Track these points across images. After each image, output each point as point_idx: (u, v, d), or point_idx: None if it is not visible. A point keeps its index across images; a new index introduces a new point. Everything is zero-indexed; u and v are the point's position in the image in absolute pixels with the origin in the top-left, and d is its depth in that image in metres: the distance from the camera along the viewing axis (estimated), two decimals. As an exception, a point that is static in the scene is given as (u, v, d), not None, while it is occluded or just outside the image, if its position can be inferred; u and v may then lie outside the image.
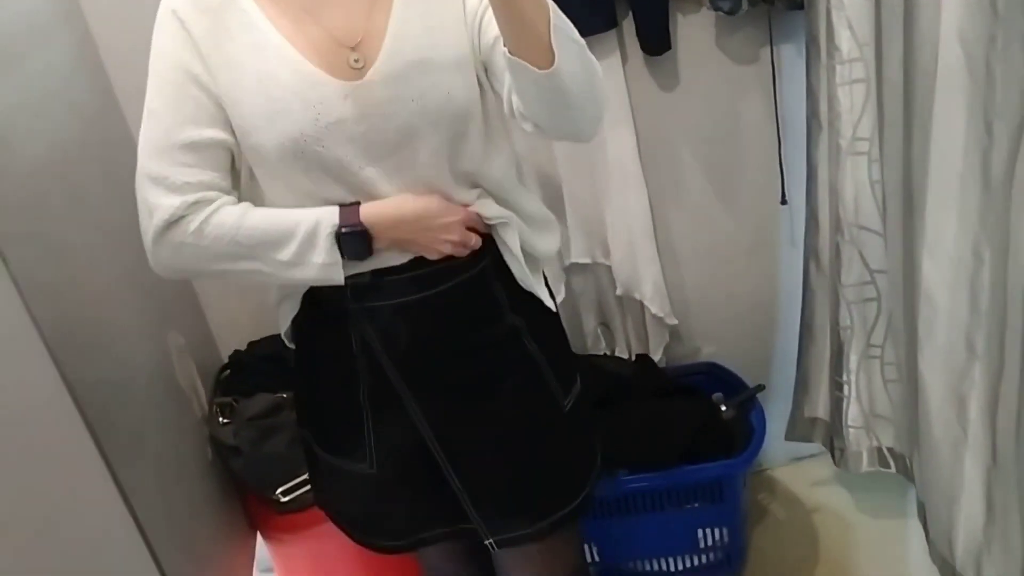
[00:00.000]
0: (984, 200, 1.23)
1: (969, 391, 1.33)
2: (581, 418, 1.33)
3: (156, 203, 1.05)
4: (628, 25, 1.74)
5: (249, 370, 1.87)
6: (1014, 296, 1.21)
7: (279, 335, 1.50)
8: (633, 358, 2.01)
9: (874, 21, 1.43)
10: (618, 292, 1.95)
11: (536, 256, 1.25)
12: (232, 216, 1.07)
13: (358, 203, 1.10)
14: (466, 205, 1.16)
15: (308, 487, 1.67)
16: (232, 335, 1.92)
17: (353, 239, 1.09)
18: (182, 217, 1.05)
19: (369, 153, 1.08)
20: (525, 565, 1.35)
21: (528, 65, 0.97)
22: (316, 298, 1.20)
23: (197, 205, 1.06)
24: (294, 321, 1.25)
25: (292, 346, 1.30)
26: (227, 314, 1.92)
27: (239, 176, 1.14)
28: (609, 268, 1.94)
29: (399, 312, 1.16)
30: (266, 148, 1.07)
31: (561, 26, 0.98)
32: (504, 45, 1.00)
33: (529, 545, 1.29)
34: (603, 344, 2.05)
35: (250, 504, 1.80)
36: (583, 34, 1.04)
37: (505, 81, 1.07)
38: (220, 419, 1.72)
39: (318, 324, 1.22)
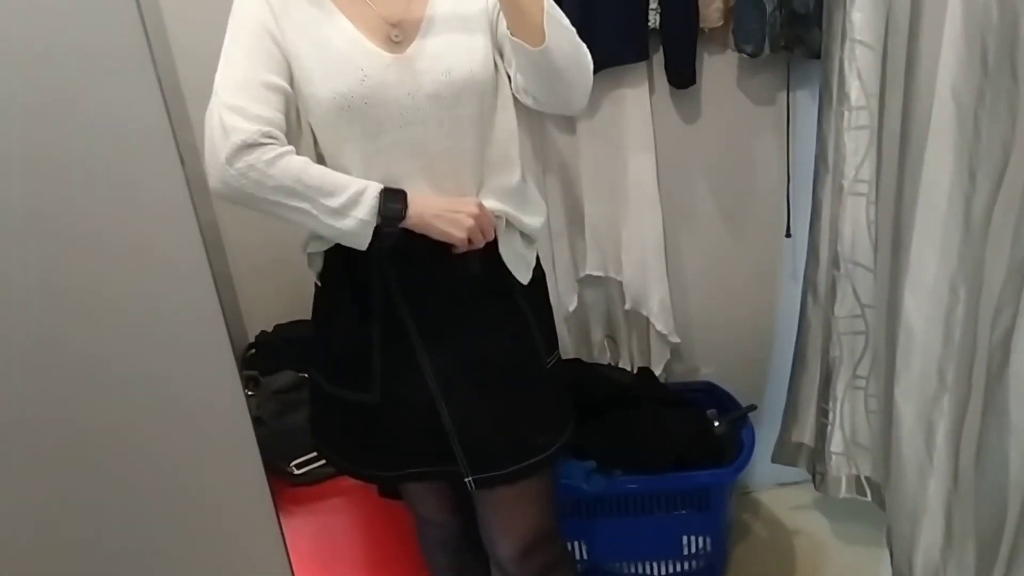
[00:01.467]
0: (964, 241, 1.35)
1: (937, 419, 1.43)
2: (559, 379, 1.50)
3: (234, 126, 1.20)
4: (658, 59, 1.87)
5: (273, 350, 1.98)
6: (983, 332, 1.32)
7: (305, 319, 1.62)
8: (635, 370, 2.12)
9: (880, 74, 1.55)
10: (626, 306, 2.07)
11: (528, 232, 1.43)
12: (300, 160, 1.24)
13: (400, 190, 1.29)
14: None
15: (321, 461, 1.79)
16: (261, 315, 2.04)
17: (393, 197, 1.26)
18: (257, 145, 1.20)
19: (407, 115, 1.27)
20: (499, 514, 1.49)
21: (524, 44, 1.20)
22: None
23: (270, 139, 1.22)
24: (324, 262, 1.41)
25: (317, 283, 1.45)
26: (257, 294, 2.04)
27: (291, 128, 1.30)
28: (620, 283, 2.06)
29: (419, 254, 1.33)
30: (319, 98, 1.26)
31: (553, 13, 1.20)
32: (507, 26, 1.23)
33: (503, 490, 1.42)
34: (608, 355, 2.17)
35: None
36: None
37: (512, 61, 1.29)
38: (246, 391, 1.83)
39: (344, 262, 1.37)
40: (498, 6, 1.29)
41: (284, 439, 1.79)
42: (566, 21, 1.24)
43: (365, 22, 1.28)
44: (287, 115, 1.27)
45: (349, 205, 1.24)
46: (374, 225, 1.26)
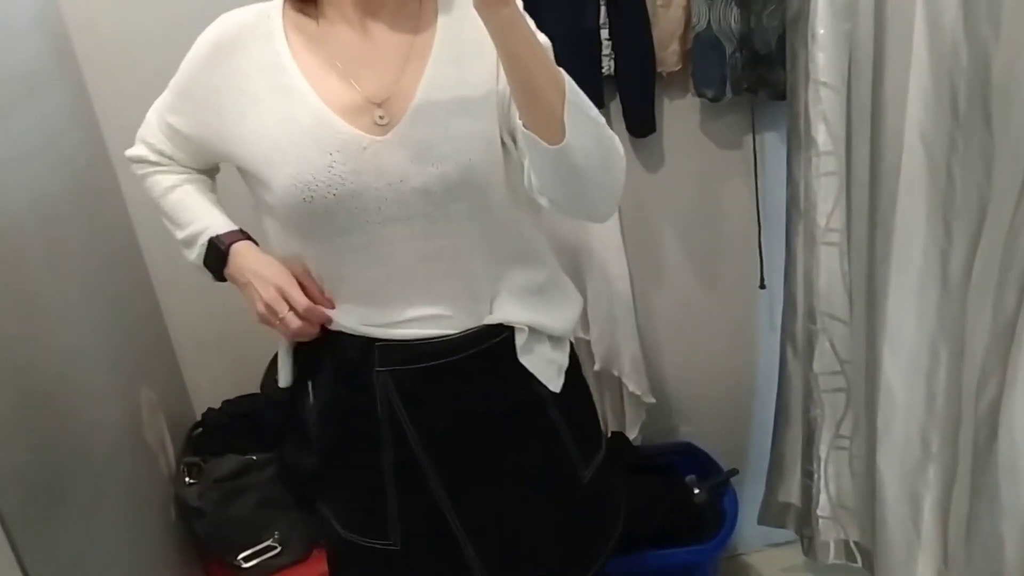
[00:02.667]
0: (942, 299, 1.24)
1: (923, 490, 1.32)
2: (601, 488, 1.31)
3: (138, 136, 1.25)
4: (615, 106, 1.77)
5: (221, 429, 1.86)
6: (968, 398, 1.21)
7: (253, 394, 1.49)
8: (609, 435, 2.00)
9: (846, 118, 1.45)
10: (596, 367, 1.95)
11: (558, 335, 1.24)
12: (161, 186, 1.24)
13: (247, 235, 1.20)
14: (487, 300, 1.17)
15: (271, 553, 1.67)
16: (208, 392, 1.93)
17: (214, 250, 1.18)
18: (138, 160, 1.25)
19: (387, 209, 1.07)
20: None
21: (539, 139, 0.98)
22: (341, 363, 1.19)
23: (148, 160, 1.24)
24: (315, 389, 1.24)
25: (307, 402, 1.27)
26: (204, 371, 1.93)
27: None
28: (588, 343, 1.95)
29: (426, 376, 1.15)
30: (275, 184, 1.07)
31: (577, 103, 0.98)
32: (519, 117, 1.01)
33: None
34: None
35: (211, 568, 1.77)
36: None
37: (525, 156, 1.06)
38: (186, 479, 1.71)
39: (342, 391, 1.21)
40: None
41: (228, 530, 1.68)
42: (594, 111, 1.01)
43: (339, 98, 1.08)
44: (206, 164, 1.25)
45: (187, 243, 1.21)
46: (203, 270, 1.21)
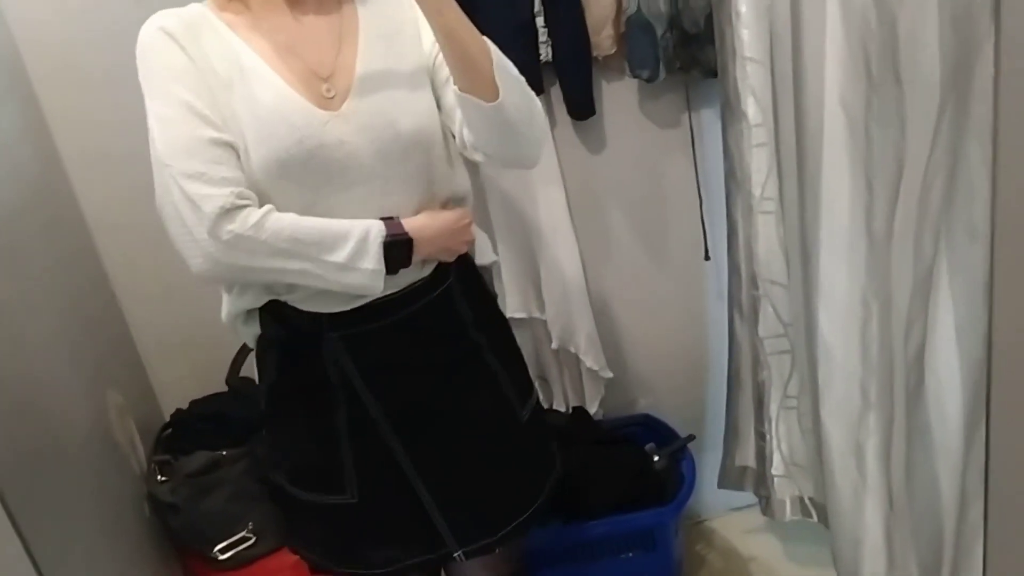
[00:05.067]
0: (869, 255, 1.31)
1: (865, 439, 1.39)
2: (538, 427, 1.43)
3: (204, 194, 1.07)
4: (556, 92, 1.83)
5: (190, 429, 1.89)
6: (898, 348, 1.28)
7: (220, 393, 1.52)
8: (570, 411, 2.06)
9: (771, 90, 1.52)
10: (554, 346, 2.00)
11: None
12: (288, 216, 1.12)
13: (396, 218, 1.18)
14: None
15: (246, 544, 1.70)
16: (176, 392, 1.95)
17: (399, 248, 1.17)
18: (236, 208, 1.08)
19: (349, 175, 1.16)
20: (480, 572, 1.42)
21: (477, 99, 1.11)
22: (290, 330, 1.25)
23: (245, 199, 1.09)
24: (264, 355, 1.31)
25: (258, 377, 1.35)
26: (169, 373, 1.95)
27: None
28: (544, 322, 2.00)
29: (375, 336, 1.23)
30: (253, 162, 1.12)
31: (502, 63, 1.12)
32: (455, 83, 1.13)
33: (490, 556, 1.36)
34: (541, 398, 2.10)
35: (189, 562, 1.81)
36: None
37: (456, 117, 1.20)
38: (159, 477, 1.74)
39: (293, 358, 1.28)
40: (435, 54, 1.21)
41: (203, 524, 1.70)
42: (514, 69, 1.17)
43: (294, 76, 1.16)
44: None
45: (356, 255, 1.13)
46: (384, 270, 1.16)
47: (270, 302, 1.24)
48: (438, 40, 1.14)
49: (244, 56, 1.15)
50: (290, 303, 1.23)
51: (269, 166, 1.13)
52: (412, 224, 1.19)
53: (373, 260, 1.14)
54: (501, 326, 1.41)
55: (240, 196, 1.09)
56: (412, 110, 1.20)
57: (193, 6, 1.20)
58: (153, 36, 1.14)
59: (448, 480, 1.31)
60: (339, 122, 1.15)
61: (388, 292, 1.21)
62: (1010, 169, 0.87)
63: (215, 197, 1.07)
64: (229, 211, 1.08)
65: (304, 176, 1.14)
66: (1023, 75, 0.86)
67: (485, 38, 1.14)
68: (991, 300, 0.95)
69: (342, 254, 1.12)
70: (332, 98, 1.17)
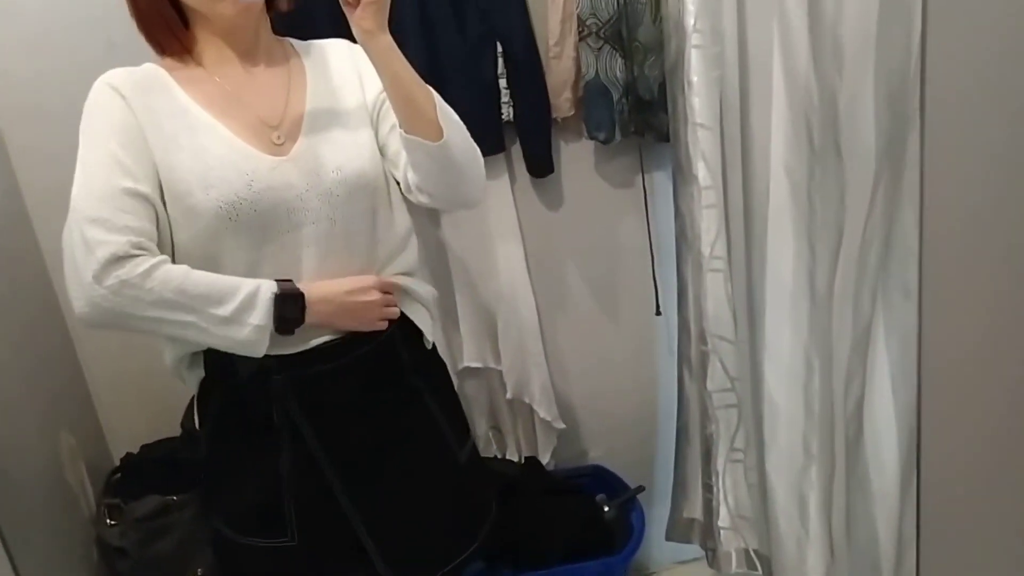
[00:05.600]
0: (811, 313, 1.38)
1: (808, 490, 1.44)
2: (475, 469, 1.46)
3: (99, 240, 1.08)
4: (516, 150, 1.90)
5: (140, 474, 1.87)
6: (839, 402, 1.34)
7: (172, 438, 1.50)
8: (522, 460, 2.09)
9: (721, 155, 1.60)
10: (508, 395, 2.04)
11: (425, 305, 1.40)
12: (179, 269, 1.14)
13: (290, 280, 1.21)
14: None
15: (193, 591, 1.69)
16: (125, 435, 1.93)
17: (289, 301, 1.18)
18: (128, 257, 1.09)
19: (295, 217, 1.21)
20: None
21: (422, 140, 1.19)
22: (235, 373, 1.26)
23: (140, 250, 1.10)
24: (207, 399, 1.33)
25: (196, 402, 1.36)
26: (121, 415, 1.94)
27: (163, 242, 1.19)
28: (500, 372, 2.04)
29: (321, 378, 1.26)
30: (200, 210, 1.16)
31: (444, 108, 1.22)
32: (400, 127, 1.20)
33: None
34: (494, 447, 2.13)
35: (135, 608, 1.79)
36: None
37: (400, 161, 1.27)
38: (108, 520, 1.72)
39: (237, 401, 1.29)
40: (379, 104, 1.28)
41: (151, 569, 1.69)
42: (454, 115, 1.24)
43: (243, 126, 1.22)
44: (159, 228, 1.16)
45: (242, 310, 1.14)
46: (270, 329, 1.16)
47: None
48: (384, 85, 1.22)
49: (192, 111, 1.21)
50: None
51: (220, 210, 1.16)
52: (308, 284, 1.22)
53: (260, 315, 1.15)
54: (440, 371, 1.45)
55: (137, 246, 1.10)
56: (356, 154, 1.26)
57: (147, 65, 1.25)
58: (100, 91, 1.19)
59: (387, 520, 1.32)
60: (287, 166, 1.21)
61: (334, 337, 1.26)
62: (936, 232, 0.94)
63: (109, 243, 1.09)
64: (121, 258, 1.09)
65: (253, 218, 1.18)
66: (946, 148, 0.94)
67: (427, 85, 1.22)
68: (919, 350, 1.02)
69: (228, 308, 1.14)
70: (281, 144, 1.23)
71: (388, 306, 1.30)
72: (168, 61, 1.25)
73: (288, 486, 1.29)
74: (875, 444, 1.29)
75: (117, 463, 1.93)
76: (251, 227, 1.19)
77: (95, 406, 1.93)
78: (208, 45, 1.25)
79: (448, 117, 1.21)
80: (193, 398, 1.77)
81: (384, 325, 1.29)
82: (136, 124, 1.17)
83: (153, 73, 1.24)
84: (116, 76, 1.21)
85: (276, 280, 1.19)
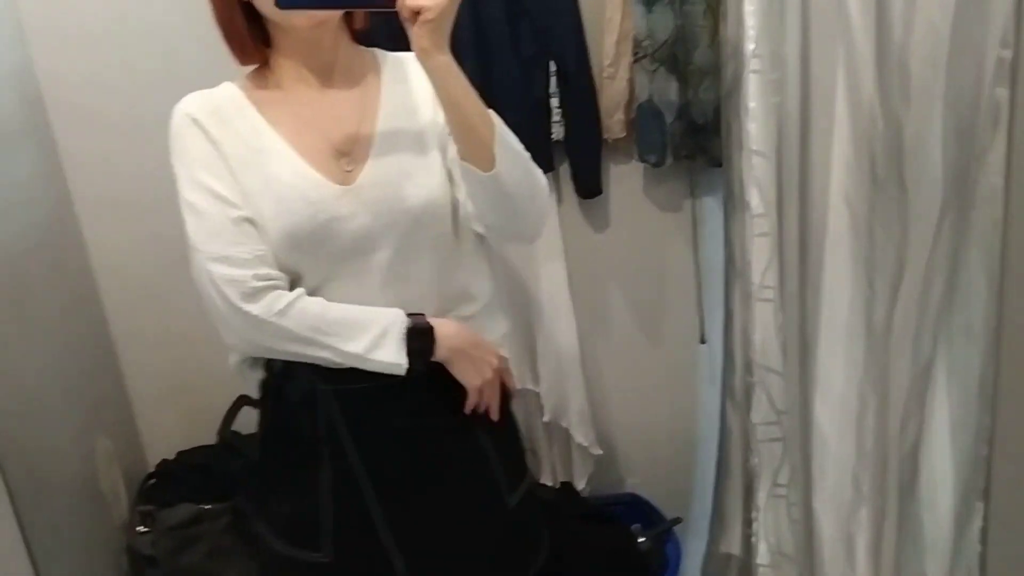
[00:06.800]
0: (867, 349, 1.34)
1: (856, 531, 1.40)
2: (526, 514, 1.39)
3: (226, 278, 1.14)
4: (565, 170, 1.88)
5: (175, 481, 1.87)
6: (893, 442, 1.30)
7: (209, 445, 1.51)
8: (557, 485, 2.05)
9: (777, 183, 1.56)
10: (545, 419, 2.01)
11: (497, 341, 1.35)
12: (315, 304, 1.17)
13: (422, 314, 1.21)
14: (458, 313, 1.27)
15: (221, 600, 1.68)
16: (162, 443, 1.94)
17: (420, 336, 1.18)
18: (259, 292, 1.14)
19: (360, 246, 1.19)
20: None
21: (474, 168, 1.14)
22: (289, 379, 1.26)
23: (267, 280, 1.15)
24: (265, 401, 1.31)
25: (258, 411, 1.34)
26: (158, 421, 1.94)
27: None
28: (538, 395, 2.01)
29: (367, 395, 1.23)
30: (270, 232, 1.17)
31: (504, 136, 1.15)
32: (456, 151, 1.16)
33: None
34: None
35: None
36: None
37: (462, 187, 1.21)
38: (139, 528, 1.72)
39: (288, 407, 1.28)
40: (446, 126, 1.23)
41: (181, 579, 1.68)
42: (519, 146, 1.18)
43: (312, 152, 1.20)
44: None
45: (373, 347, 1.17)
46: (406, 363, 1.18)
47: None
48: (442, 107, 1.18)
49: (265, 136, 1.20)
50: None
51: (284, 239, 1.17)
52: (437, 320, 1.22)
53: (391, 353, 1.17)
54: (504, 410, 1.36)
55: (263, 277, 1.15)
56: (423, 183, 1.22)
57: (225, 85, 1.24)
58: (180, 123, 1.20)
59: (422, 550, 1.28)
60: (351, 196, 1.19)
61: None
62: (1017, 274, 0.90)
63: (236, 281, 1.14)
64: (249, 295, 1.14)
65: (317, 248, 1.18)
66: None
67: (492, 111, 1.17)
68: (994, 402, 0.98)
69: (361, 344, 1.17)
70: (350, 171, 1.21)
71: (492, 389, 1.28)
72: (246, 81, 1.25)
73: (326, 500, 1.26)
74: (931, 490, 1.24)
75: (152, 468, 1.93)
76: (316, 255, 1.19)
77: (134, 412, 1.93)
78: (286, 64, 1.23)
79: (507, 146, 1.16)
80: (230, 407, 1.77)
81: (476, 396, 1.26)
82: (217, 153, 1.18)
83: (230, 96, 1.23)
84: (193, 104, 1.20)
85: (408, 314, 1.20)
